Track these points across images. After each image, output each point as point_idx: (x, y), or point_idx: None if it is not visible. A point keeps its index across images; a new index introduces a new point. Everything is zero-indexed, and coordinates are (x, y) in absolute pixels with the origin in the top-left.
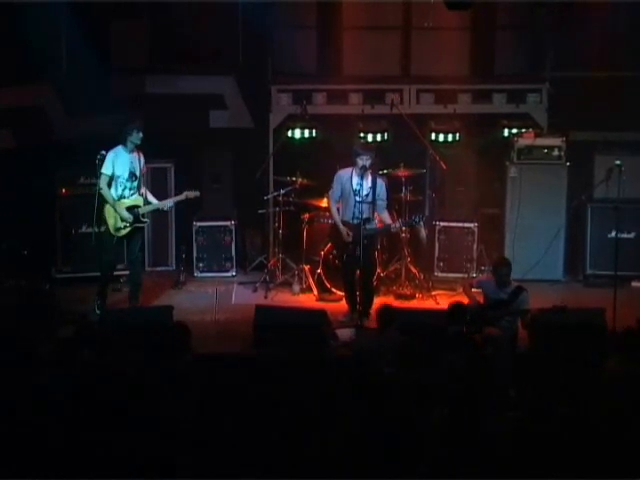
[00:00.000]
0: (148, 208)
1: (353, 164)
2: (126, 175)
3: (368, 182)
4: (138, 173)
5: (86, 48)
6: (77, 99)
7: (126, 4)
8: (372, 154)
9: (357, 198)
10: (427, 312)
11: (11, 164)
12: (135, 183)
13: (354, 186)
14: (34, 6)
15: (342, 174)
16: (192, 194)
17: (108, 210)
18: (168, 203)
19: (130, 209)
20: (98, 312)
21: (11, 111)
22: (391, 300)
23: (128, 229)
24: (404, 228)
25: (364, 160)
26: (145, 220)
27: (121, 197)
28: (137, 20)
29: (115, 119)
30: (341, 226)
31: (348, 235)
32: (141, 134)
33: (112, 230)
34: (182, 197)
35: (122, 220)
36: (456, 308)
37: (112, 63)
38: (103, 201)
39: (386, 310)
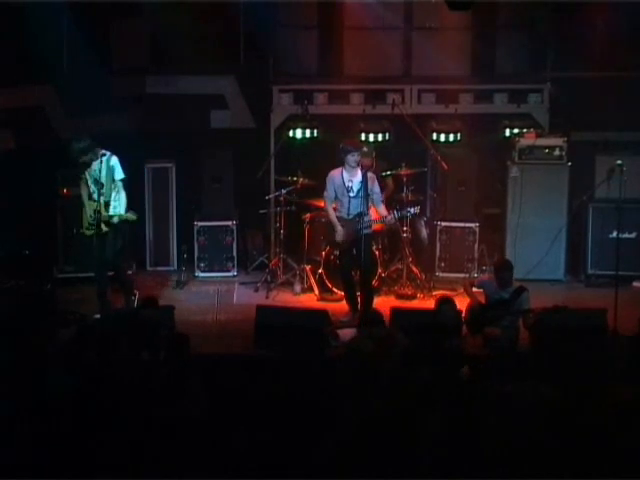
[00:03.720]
0: (104, 217)
1: (342, 163)
2: (92, 180)
3: (358, 177)
4: (103, 180)
5: (86, 48)
6: (77, 99)
7: (126, 4)
8: (361, 150)
9: (351, 194)
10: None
11: (12, 164)
12: (102, 190)
13: (346, 183)
14: (35, 7)
15: (333, 174)
16: (131, 216)
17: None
18: (115, 218)
19: (96, 212)
20: (97, 315)
21: (12, 111)
22: (392, 300)
23: (92, 230)
24: (406, 228)
25: (355, 157)
26: (104, 229)
27: (90, 199)
28: (137, 20)
29: (115, 119)
30: (338, 227)
31: (342, 236)
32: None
33: (84, 227)
34: (124, 216)
35: (88, 219)
36: (442, 301)
37: (112, 63)
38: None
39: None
